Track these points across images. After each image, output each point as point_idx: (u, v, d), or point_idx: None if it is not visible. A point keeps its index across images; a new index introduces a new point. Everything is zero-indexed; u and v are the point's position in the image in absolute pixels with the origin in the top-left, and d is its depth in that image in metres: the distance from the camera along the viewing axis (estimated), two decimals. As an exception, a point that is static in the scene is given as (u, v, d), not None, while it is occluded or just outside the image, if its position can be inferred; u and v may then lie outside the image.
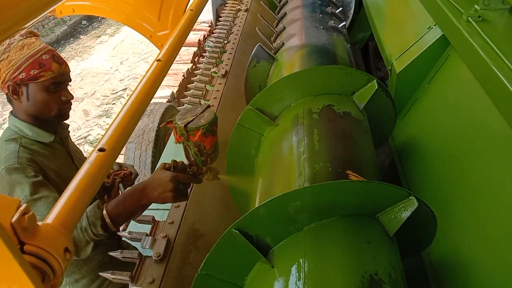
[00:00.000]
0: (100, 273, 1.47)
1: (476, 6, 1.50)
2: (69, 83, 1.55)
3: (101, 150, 0.68)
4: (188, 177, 1.30)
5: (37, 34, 1.48)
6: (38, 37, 1.48)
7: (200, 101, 2.38)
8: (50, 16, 9.06)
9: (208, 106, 1.23)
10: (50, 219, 0.53)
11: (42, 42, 1.47)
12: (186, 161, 1.35)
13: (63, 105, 1.52)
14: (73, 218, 0.55)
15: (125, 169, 1.74)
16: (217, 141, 1.30)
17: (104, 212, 1.24)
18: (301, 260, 0.99)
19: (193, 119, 1.16)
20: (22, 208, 0.46)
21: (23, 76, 1.39)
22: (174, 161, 1.31)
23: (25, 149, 1.44)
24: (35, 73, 1.39)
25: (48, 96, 1.45)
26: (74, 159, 1.66)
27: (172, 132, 1.24)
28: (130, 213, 1.29)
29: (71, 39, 8.82)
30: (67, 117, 1.57)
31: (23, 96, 1.44)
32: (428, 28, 1.88)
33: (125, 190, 1.40)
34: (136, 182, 1.73)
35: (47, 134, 1.52)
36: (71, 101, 1.55)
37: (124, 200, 1.28)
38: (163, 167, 1.30)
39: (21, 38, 1.43)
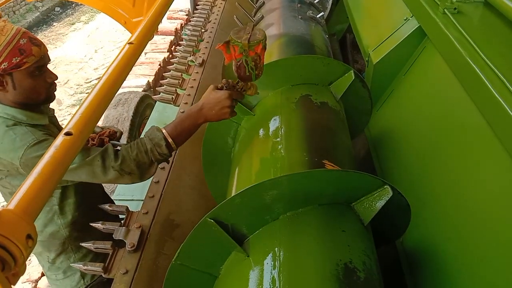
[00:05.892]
0: (72, 264, 1.44)
1: (452, -2, 1.52)
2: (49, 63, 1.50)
3: (67, 134, 0.64)
4: (238, 93, 1.42)
5: (0, 14, 1.42)
6: (1, 17, 1.41)
7: (176, 90, 2.34)
8: (21, 1, 8.77)
9: (254, 25, 1.33)
10: (12, 205, 0.50)
11: (10, 22, 1.40)
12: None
13: (50, 86, 1.48)
14: (37, 204, 0.52)
15: (108, 129, 1.74)
16: None
17: (165, 133, 1.37)
18: (276, 249, 0.98)
19: (249, 36, 1.27)
20: (-20, 193, 0.43)
21: (6, 66, 1.33)
22: (226, 80, 1.42)
23: (32, 128, 1.39)
24: (18, 60, 1.34)
25: (34, 81, 1.41)
26: None
27: (223, 53, 1.34)
28: (188, 133, 1.43)
29: (44, 26, 8.57)
30: (54, 98, 1.53)
31: (9, 85, 1.38)
32: (405, 20, 1.89)
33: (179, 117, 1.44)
34: (121, 141, 1.76)
35: (41, 116, 1.47)
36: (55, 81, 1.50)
37: (182, 122, 1.40)
38: (215, 88, 1.42)
39: None
